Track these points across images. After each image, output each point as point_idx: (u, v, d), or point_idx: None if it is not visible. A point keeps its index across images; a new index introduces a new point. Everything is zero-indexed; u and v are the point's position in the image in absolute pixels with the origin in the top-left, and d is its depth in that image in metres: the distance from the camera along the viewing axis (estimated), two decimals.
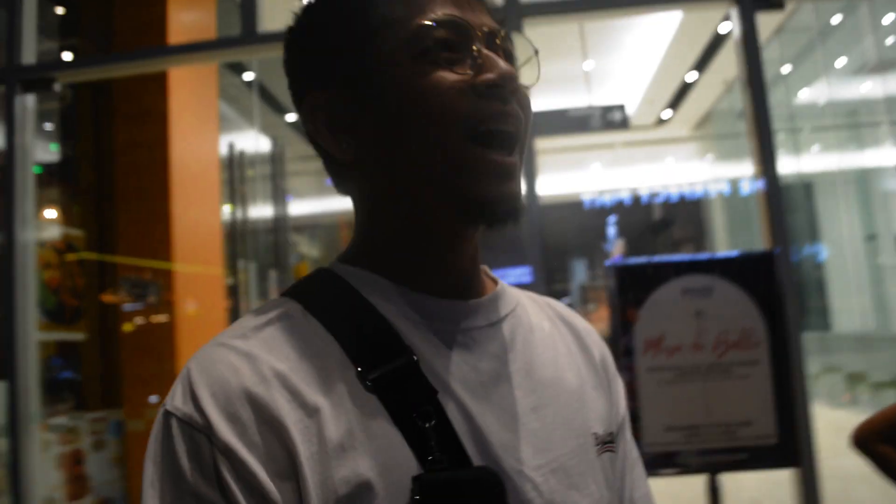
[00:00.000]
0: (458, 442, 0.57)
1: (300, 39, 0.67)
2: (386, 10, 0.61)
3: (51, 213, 5.48)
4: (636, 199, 15.85)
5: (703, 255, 2.49)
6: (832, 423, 7.73)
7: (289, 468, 0.52)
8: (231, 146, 5.69)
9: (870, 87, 8.36)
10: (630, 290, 2.42)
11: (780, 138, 9.95)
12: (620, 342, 2.40)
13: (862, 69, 8.37)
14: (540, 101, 9.96)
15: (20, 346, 2.99)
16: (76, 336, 4.35)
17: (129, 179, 4.93)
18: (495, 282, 0.71)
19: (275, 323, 0.59)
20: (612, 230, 16.25)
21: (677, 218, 14.97)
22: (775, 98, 9.83)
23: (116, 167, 4.97)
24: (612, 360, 0.79)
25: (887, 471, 2.00)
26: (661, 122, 11.51)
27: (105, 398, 4.41)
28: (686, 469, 2.35)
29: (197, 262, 5.12)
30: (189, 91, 5.81)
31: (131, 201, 4.94)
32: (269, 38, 3.01)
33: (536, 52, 0.67)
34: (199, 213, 5.17)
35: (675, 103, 10.61)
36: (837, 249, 9.07)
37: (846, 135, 9.07)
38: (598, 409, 0.71)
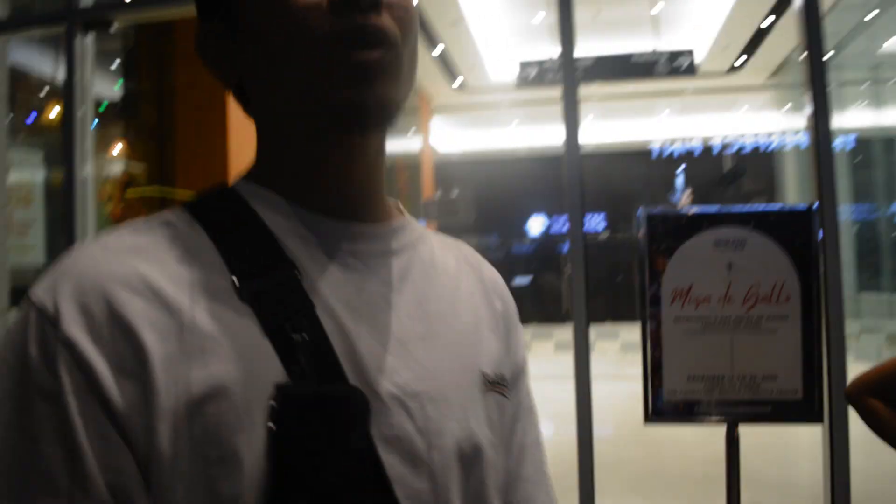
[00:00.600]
0: (332, 358, 0.56)
1: None
2: None
3: (115, 149, 5.70)
4: (707, 149, 15.37)
5: (737, 207, 2.43)
6: None
7: (136, 367, 0.51)
8: None
9: None
10: (661, 239, 2.39)
11: (862, 90, 9.46)
12: (648, 290, 2.39)
13: None
14: (604, 45, 9.68)
15: None
16: None
17: (188, 117, 5.08)
18: (403, 215, 0.71)
19: (156, 228, 0.59)
20: (679, 180, 15.86)
21: (748, 170, 14.46)
22: (857, 47, 9.30)
23: (176, 105, 5.12)
24: (516, 312, 0.78)
25: (872, 424, 1.98)
26: (734, 68, 11.03)
27: None
28: (707, 419, 2.35)
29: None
30: None
31: (190, 138, 5.09)
32: None
33: None
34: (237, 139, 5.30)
35: (750, 49, 10.15)
36: None
37: None
38: (492, 351, 0.70)
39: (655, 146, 15.31)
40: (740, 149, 14.99)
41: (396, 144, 12.03)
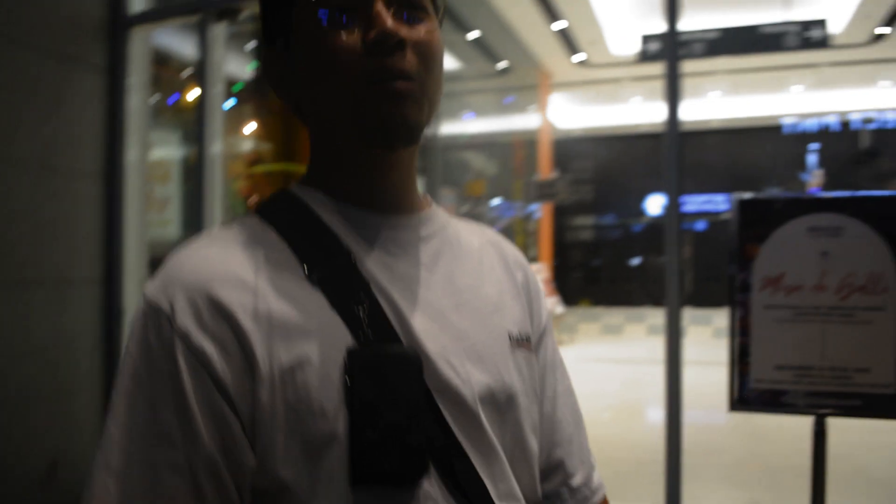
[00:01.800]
0: (388, 324, 0.70)
1: (259, 4, 0.81)
2: None
3: (249, 128, 6.08)
4: (844, 125, 14.40)
5: (834, 193, 2.37)
6: None
7: (237, 347, 0.66)
8: None
9: None
10: (753, 226, 2.38)
11: None
12: (738, 278, 2.39)
13: None
14: (732, 17, 9.27)
15: None
16: None
17: None
18: (430, 206, 0.84)
19: (235, 231, 0.74)
20: (812, 159, 14.95)
21: (887, 148, 13.45)
22: None
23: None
24: (537, 282, 0.92)
25: None
26: (876, 39, 10.27)
27: None
28: (793, 409, 2.34)
29: None
30: None
31: None
32: None
33: (440, 4, 0.78)
34: None
35: (893, 19, 9.43)
36: None
37: None
38: (515, 314, 0.84)
39: (786, 122, 14.51)
40: (883, 125, 13.95)
41: (514, 121, 12.02)
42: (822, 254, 2.31)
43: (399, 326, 0.72)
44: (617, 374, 7.87)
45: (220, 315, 0.66)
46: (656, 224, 15.25)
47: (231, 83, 6.19)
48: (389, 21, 0.70)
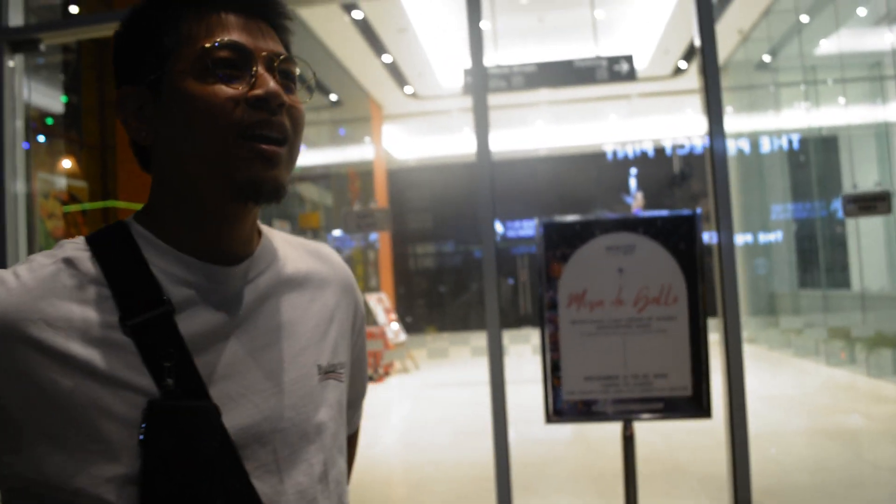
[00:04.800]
0: (195, 379, 0.74)
1: (122, 40, 0.83)
2: (184, 29, 0.78)
3: (61, 164, 5.69)
4: (659, 151, 15.67)
5: (625, 215, 2.57)
6: (830, 381, 7.77)
7: (28, 382, 0.69)
8: None
9: (892, 39, 8.14)
10: (557, 246, 2.52)
11: (799, 91, 9.77)
12: (545, 296, 2.51)
13: (883, 20, 8.14)
14: (548, 50, 9.87)
15: None
16: None
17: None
18: (261, 240, 0.88)
19: (59, 264, 0.75)
20: (633, 182, 16.12)
21: (696, 171, 14.80)
22: (791, 50, 9.61)
23: (118, 121, 5.15)
24: (354, 287, 0.99)
25: None
26: (678, 71, 11.30)
27: None
28: (603, 417, 2.48)
29: None
30: None
31: (132, 154, 5.12)
32: None
33: (314, 74, 0.86)
34: None
35: (690, 54, 10.42)
36: None
37: (867, 88, 8.85)
38: (330, 341, 0.89)
39: (608, 149, 15.57)
40: (691, 150, 15.32)
41: (349, 153, 12.09)
42: (619, 270, 2.49)
43: (209, 376, 0.75)
44: (460, 397, 8.04)
45: (15, 360, 0.69)
46: (498, 248, 15.76)
47: (43, 116, 5.79)
48: (273, 82, 0.77)
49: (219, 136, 0.75)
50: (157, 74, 0.78)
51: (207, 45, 0.76)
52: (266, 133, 0.76)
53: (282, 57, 0.80)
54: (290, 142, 0.79)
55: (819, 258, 9.55)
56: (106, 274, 0.75)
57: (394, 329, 10.24)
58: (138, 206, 0.84)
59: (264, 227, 0.90)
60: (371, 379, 9.84)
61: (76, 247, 0.77)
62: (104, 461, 0.69)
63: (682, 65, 11.01)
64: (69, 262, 0.75)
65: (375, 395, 8.93)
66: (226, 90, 0.75)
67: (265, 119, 0.76)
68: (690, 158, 15.34)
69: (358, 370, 1.02)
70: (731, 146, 11.41)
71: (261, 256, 0.85)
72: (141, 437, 0.70)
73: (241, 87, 0.76)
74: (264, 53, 0.79)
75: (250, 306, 0.82)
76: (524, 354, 7.95)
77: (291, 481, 0.79)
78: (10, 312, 0.70)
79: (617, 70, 8.07)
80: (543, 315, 2.51)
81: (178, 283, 0.77)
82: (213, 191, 0.77)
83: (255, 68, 0.77)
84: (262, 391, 0.78)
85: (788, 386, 7.86)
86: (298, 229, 9.63)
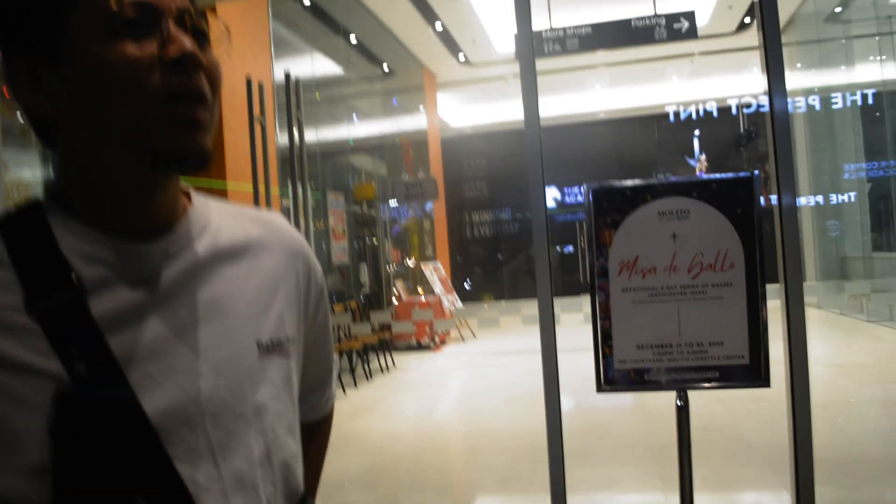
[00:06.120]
0: (109, 365, 0.68)
1: (5, 3, 0.73)
2: None
3: None
4: (724, 111, 15.12)
5: (679, 178, 2.48)
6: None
7: None
8: (287, 74, 5.83)
9: None
10: (607, 213, 2.45)
11: (873, 43, 9.27)
12: (595, 263, 2.45)
13: None
14: (604, 12, 9.58)
15: None
16: None
17: None
18: (187, 211, 0.80)
19: None
20: (696, 144, 15.66)
21: (764, 130, 14.25)
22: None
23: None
24: (311, 259, 0.92)
25: None
26: (743, 26, 10.83)
27: None
28: (657, 386, 2.42)
29: (233, 180, 5.41)
30: (237, 15, 5.96)
31: None
32: None
33: (227, 30, 0.78)
34: (231, 135, 5.45)
35: (754, 9, 9.98)
36: None
37: None
38: (274, 316, 0.82)
39: (670, 109, 15.12)
40: (757, 109, 14.74)
41: (402, 122, 12.05)
42: (673, 236, 2.40)
43: (126, 359, 0.69)
44: (516, 365, 8.02)
45: None
46: (554, 216, 15.62)
47: None
48: (189, 42, 0.70)
49: (136, 104, 0.68)
50: (55, 40, 0.70)
51: (112, 2, 0.68)
52: (185, 95, 0.70)
53: (191, 12, 0.73)
54: (210, 104, 0.73)
55: (894, 220, 9.11)
56: (11, 255, 0.69)
57: (449, 298, 10.26)
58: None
59: (197, 197, 0.84)
60: (427, 348, 9.92)
61: None
62: (10, 452, 0.65)
63: (747, 20, 10.55)
64: None
65: (433, 364, 8.99)
66: (137, 53, 0.68)
67: (185, 85, 0.70)
68: (757, 117, 14.77)
69: (320, 348, 0.96)
70: (801, 104, 10.93)
71: (186, 229, 0.78)
72: (50, 426, 0.65)
73: (152, 48, 0.69)
74: (174, 8, 0.71)
75: (174, 282, 0.75)
76: (577, 323, 7.87)
77: (228, 466, 0.74)
78: None
79: (677, 28, 7.79)
80: (594, 283, 2.45)
81: (91, 261, 0.71)
82: (131, 162, 0.71)
83: (165, 27, 0.70)
84: (187, 371, 0.72)
85: (860, 353, 7.56)
86: (353, 200, 9.69)
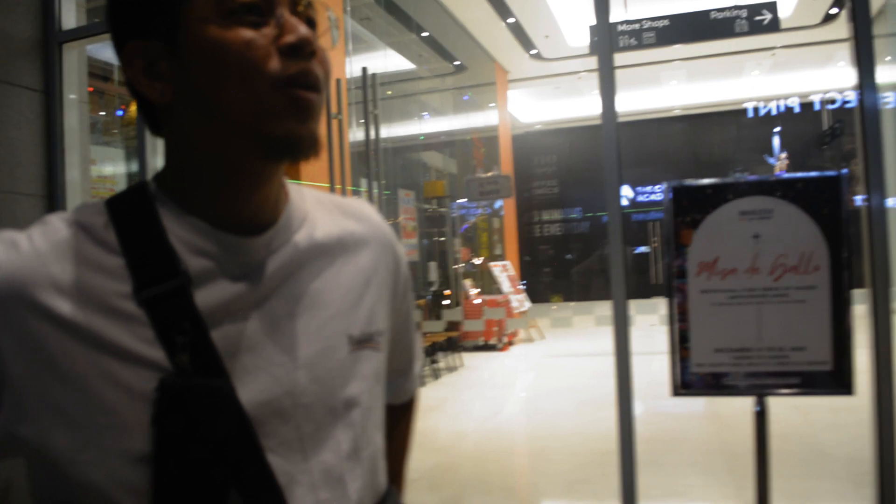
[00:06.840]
0: (211, 356, 0.69)
1: None
2: None
3: None
4: (807, 106, 14.56)
5: (762, 177, 2.40)
6: None
7: (35, 347, 0.66)
8: (364, 69, 5.90)
9: None
10: (686, 212, 2.39)
11: None
12: (674, 264, 2.40)
13: None
14: (682, 4, 9.34)
15: None
16: None
17: None
18: (286, 204, 0.81)
19: (75, 228, 0.71)
20: (776, 141, 15.13)
21: (849, 127, 13.63)
22: None
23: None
24: (399, 251, 0.93)
25: None
26: (828, 18, 10.40)
27: None
28: (734, 391, 2.35)
29: (308, 178, 5.52)
30: None
31: None
32: None
33: (334, 21, 0.78)
34: None
35: None
36: None
37: None
38: (365, 310, 0.83)
39: (749, 105, 14.64)
40: (842, 105, 14.14)
41: (473, 118, 12.03)
42: (754, 236, 2.33)
43: (227, 351, 0.71)
44: (586, 367, 7.92)
45: (26, 321, 0.66)
46: (626, 215, 15.34)
47: None
48: (304, 28, 0.71)
49: (253, 88, 0.68)
50: (171, 24, 0.70)
51: None
52: (303, 81, 0.70)
53: (304, 1, 0.73)
54: (323, 89, 0.73)
55: None
56: (122, 242, 0.71)
57: (518, 298, 10.21)
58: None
59: (293, 187, 0.83)
60: (494, 348, 9.90)
61: (94, 210, 0.73)
62: (114, 434, 0.66)
63: (833, 11, 10.13)
64: (84, 228, 0.71)
65: (499, 364, 8.97)
66: (255, 37, 0.69)
67: (303, 69, 0.70)
68: (842, 113, 14.17)
69: (404, 335, 0.97)
70: (890, 99, 10.43)
71: (287, 223, 0.79)
72: (153, 415, 0.66)
73: (270, 33, 0.70)
74: None
75: (274, 277, 0.76)
76: (652, 325, 7.70)
77: (316, 459, 0.74)
78: (20, 276, 0.66)
79: (758, 20, 7.55)
80: (672, 284, 2.40)
81: (197, 253, 0.72)
82: (244, 149, 0.71)
83: (280, 13, 0.70)
84: (282, 364, 0.74)
85: None
86: (423, 198, 9.72)
